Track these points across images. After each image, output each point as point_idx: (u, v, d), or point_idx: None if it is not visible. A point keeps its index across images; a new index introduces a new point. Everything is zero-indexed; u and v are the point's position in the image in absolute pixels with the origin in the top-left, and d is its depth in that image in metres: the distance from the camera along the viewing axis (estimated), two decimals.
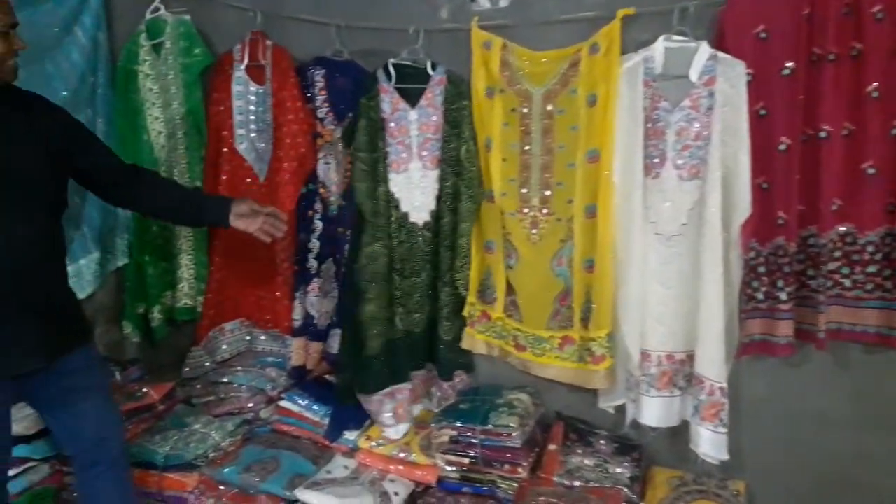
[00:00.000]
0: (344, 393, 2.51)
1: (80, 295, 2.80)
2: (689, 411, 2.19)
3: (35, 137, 1.88)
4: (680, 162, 2.10)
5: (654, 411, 2.22)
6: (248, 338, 2.85)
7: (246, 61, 2.64)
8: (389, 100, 2.44)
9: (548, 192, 2.32)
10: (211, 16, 2.75)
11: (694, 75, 2.06)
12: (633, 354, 2.20)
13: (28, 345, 1.86)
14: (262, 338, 2.85)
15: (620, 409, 2.35)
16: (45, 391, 1.96)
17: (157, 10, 2.71)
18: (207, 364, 2.80)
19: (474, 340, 2.50)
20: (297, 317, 2.67)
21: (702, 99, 2.05)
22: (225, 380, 2.71)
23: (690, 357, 2.17)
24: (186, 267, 2.87)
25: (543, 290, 2.35)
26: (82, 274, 2.80)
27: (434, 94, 2.42)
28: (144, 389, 2.67)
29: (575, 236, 2.27)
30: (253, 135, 2.70)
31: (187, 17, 2.72)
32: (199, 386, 2.74)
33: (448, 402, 2.49)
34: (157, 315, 2.88)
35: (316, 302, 2.69)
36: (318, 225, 2.68)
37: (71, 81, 2.69)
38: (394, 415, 2.46)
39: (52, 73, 2.67)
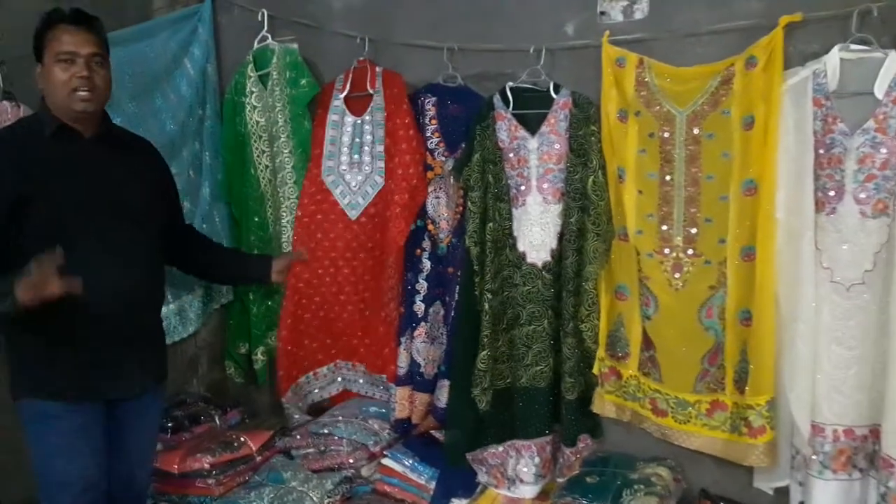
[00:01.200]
0: (452, 453, 2.27)
1: (184, 333, 2.73)
2: (872, 499, 1.84)
3: (142, 176, 1.97)
4: (863, 196, 1.78)
5: (827, 497, 1.88)
6: (339, 379, 2.68)
7: (346, 91, 2.49)
8: (507, 127, 2.22)
9: (694, 230, 2.00)
10: (319, 44, 2.62)
11: (880, 91, 1.74)
12: (802, 427, 1.85)
13: (125, 372, 1.91)
14: (361, 381, 2.67)
15: (782, 491, 2.01)
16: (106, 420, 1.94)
17: (264, 39, 2.59)
18: (297, 417, 2.63)
19: (604, 402, 2.18)
20: (403, 364, 2.44)
21: (890, 119, 1.72)
22: (325, 431, 2.51)
23: (875, 433, 1.83)
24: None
25: (689, 345, 2.03)
26: (185, 311, 2.72)
27: (557, 120, 2.17)
28: (242, 438, 2.52)
29: (728, 283, 1.96)
30: (343, 168, 2.52)
31: (294, 45, 2.60)
32: (298, 436, 2.56)
33: (572, 473, 2.17)
34: (260, 357, 2.74)
35: (423, 348, 2.45)
36: (426, 264, 2.46)
37: (179, 115, 2.64)
38: (514, 473, 2.20)
39: (161, 106, 2.62)
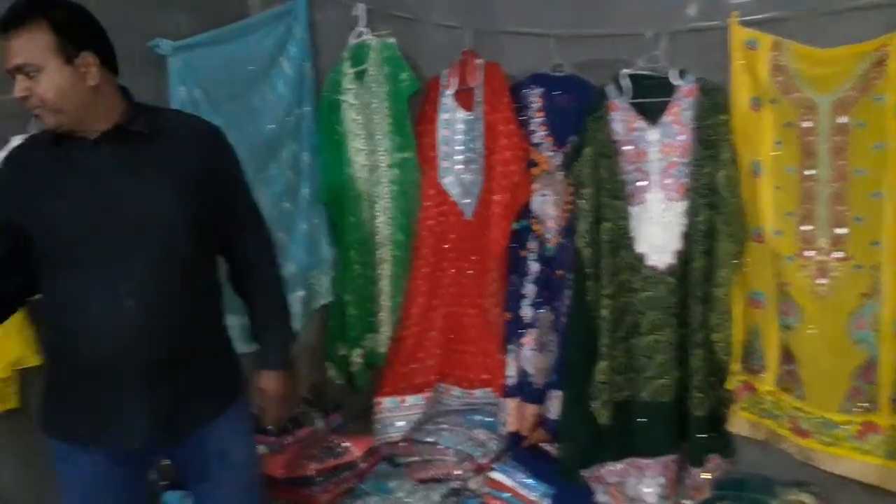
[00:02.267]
0: (566, 468, 2.15)
1: None
2: None
3: (161, 172, 1.54)
4: None
5: None
6: (440, 404, 2.57)
7: (454, 86, 2.37)
8: (622, 118, 2.06)
9: (842, 231, 1.80)
10: (418, 37, 2.51)
11: None
12: None
13: (126, 419, 1.54)
14: (458, 395, 2.56)
15: None
16: (184, 464, 1.73)
17: (360, 34, 2.51)
18: (398, 424, 2.53)
19: (739, 420, 1.99)
20: (511, 374, 2.32)
21: None
22: (430, 439, 2.44)
23: None
24: (387, 309, 2.63)
25: (836, 359, 1.82)
26: None
27: (681, 108, 2.00)
28: (346, 444, 2.47)
29: (884, 290, 1.76)
30: (459, 167, 2.42)
31: (392, 40, 2.49)
32: (402, 444, 2.48)
33: (702, 496, 2.00)
34: (357, 360, 2.67)
35: (531, 357, 2.32)
36: (533, 267, 2.32)
37: (277, 114, 2.58)
38: (635, 493, 2.05)
39: (259, 106, 2.57)
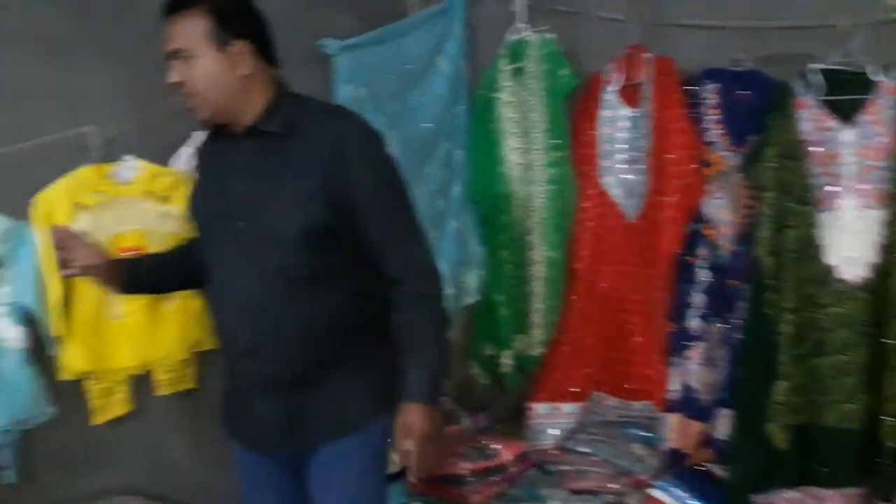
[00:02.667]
0: (736, 493, 2.01)
1: None
2: None
3: (288, 176, 1.46)
4: None
5: None
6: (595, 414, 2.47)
7: (618, 81, 2.28)
8: (812, 116, 1.91)
9: None
10: (581, 32, 2.44)
11: None
12: None
13: (260, 421, 1.56)
14: (615, 406, 2.46)
15: None
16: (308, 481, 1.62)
17: (518, 30, 2.46)
18: (551, 432, 2.46)
19: None
20: (675, 388, 2.20)
21: None
22: (584, 449, 2.36)
23: None
24: (539, 311, 2.57)
25: None
26: None
27: (882, 107, 1.82)
28: (496, 446, 2.44)
29: None
30: (621, 166, 2.33)
31: (552, 35, 2.43)
32: (554, 452, 2.42)
33: None
34: (507, 360, 2.64)
35: (698, 371, 2.20)
36: (703, 275, 2.19)
37: (433, 113, 2.58)
38: None
39: (416, 104, 2.58)
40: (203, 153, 1.64)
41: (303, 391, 1.52)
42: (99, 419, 1.92)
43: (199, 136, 1.98)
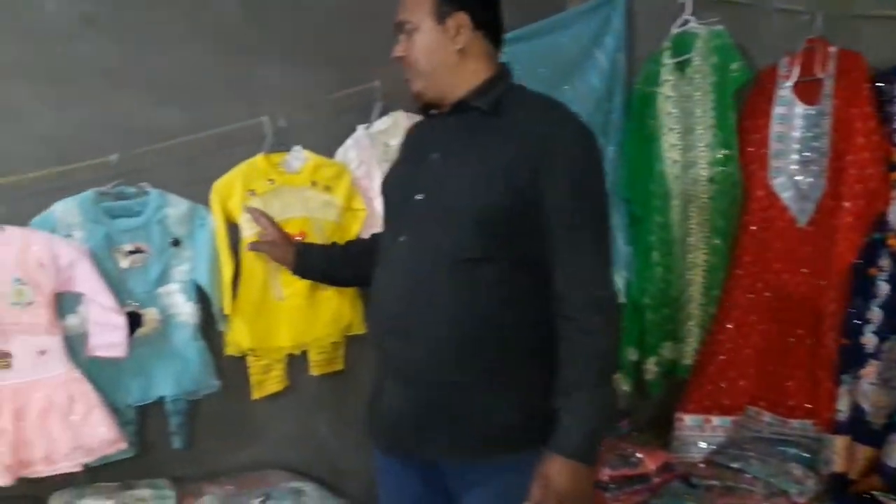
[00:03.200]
0: None
1: None
2: None
3: (480, 160, 1.39)
4: None
5: None
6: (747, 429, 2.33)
7: (795, 76, 2.12)
8: None
9: None
10: (753, 24, 2.29)
11: None
12: None
13: (385, 415, 1.48)
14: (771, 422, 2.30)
15: None
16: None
17: (685, 22, 2.35)
18: (702, 445, 2.34)
19: None
20: (843, 408, 2.04)
21: None
22: (734, 465, 2.23)
23: None
24: (695, 317, 2.45)
25: None
26: None
27: None
28: (639, 455, 2.35)
29: None
30: (794, 167, 2.18)
31: (721, 27, 2.30)
32: (702, 465, 2.31)
33: None
34: (652, 367, 2.54)
35: (870, 392, 2.02)
36: (883, 288, 2.01)
37: (587, 107, 2.50)
38: None
39: (570, 98, 2.50)
40: (409, 134, 1.65)
41: (441, 388, 1.38)
42: (257, 394, 2.03)
43: (362, 131, 2.06)
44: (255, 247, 1.84)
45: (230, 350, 1.97)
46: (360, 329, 2.12)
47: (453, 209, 1.38)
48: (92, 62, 1.79)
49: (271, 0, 2.00)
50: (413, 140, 1.61)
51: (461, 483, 1.45)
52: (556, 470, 1.30)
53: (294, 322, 2.03)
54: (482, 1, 1.46)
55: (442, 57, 1.43)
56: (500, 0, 1.51)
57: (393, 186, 1.56)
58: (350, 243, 1.87)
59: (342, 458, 2.30)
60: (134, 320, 1.81)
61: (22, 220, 1.68)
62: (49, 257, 1.67)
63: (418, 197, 1.42)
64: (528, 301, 1.38)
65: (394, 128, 2.13)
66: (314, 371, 2.12)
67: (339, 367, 2.17)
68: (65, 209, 1.73)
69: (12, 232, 1.66)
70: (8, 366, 1.68)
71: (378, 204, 2.01)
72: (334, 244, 1.88)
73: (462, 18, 1.42)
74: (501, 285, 1.37)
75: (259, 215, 1.83)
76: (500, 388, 1.38)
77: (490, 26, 1.47)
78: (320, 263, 1.79)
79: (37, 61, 1.72)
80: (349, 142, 2.10)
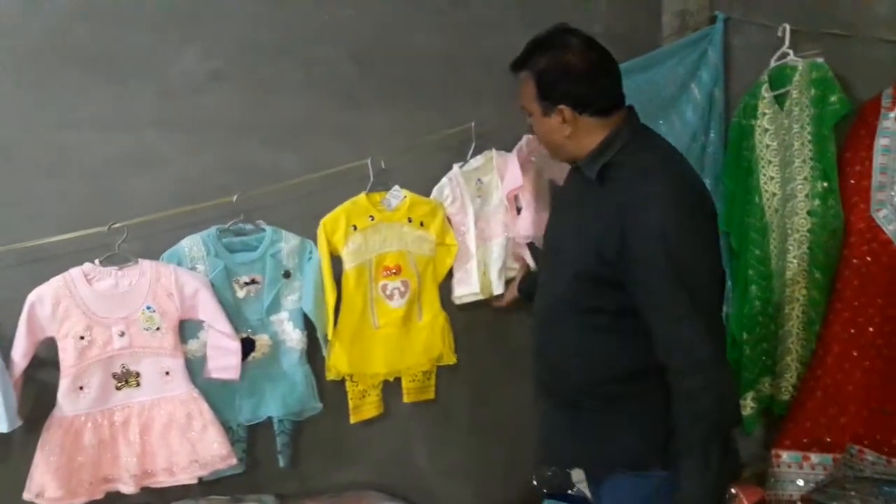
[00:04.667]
0: None
1: None
2: None
3: (586, 219, 1.54)
4: None
5: None
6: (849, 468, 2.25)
7: None
8: None
9: None
10: (853, 56, 2.26)
11: None
12: None
13: (542, 441, 1.71)
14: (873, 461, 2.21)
15: None
16: None
17: (784, 55, 2.33)
18: (800, 483, 2.28)
19: None
20: None
21: None
22: None
23: None
24: (794, 352, 2.40)
25: None
26: None
27: None
28: (733, 490, 2.31)
29: None
30: None
31: (821, 59, 2.27)
32: (798, 503, 2.25)
33: None
34: (750, 403, 2.48)
35: None
36: None
37: (682, 141, 2.51)
38: None
39: (666, 132, 2.51)
40: (565, 182, 1.77)
41: (566, 411, 1.61)
42: (354, 419, 2.13)
43: (456, 169, 2.16)
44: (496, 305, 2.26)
45: (330, 375, 2.07)
46: (450, 359, 2.21)
47: (564, 268, 1.58)
48: (218, 112, 1.96)
49: (376, 52, 2.14)
50: (562, 190, 1.79)
51: (597, 492, 1.67)
52: None
53: (388, 349, 2.13)
54: (580, 90, 1.52)
55: (554, 139, 1.59)
56: (604, 73, 1.56)
57: (545, 236, 1.79)
58: None
59: (435, 482, 2.38)
60: (248, 346, 1.95)
61: (154, 254, 1.87)
62: (176, 287, 1.84)
63: (555, 254, 1.68)
64: (632, 344, 1.49)
65: (486, 165, 2.23)
66: (406, 399, 2.20)
67: (430, 395, 2.25)
68: (191, 244, 1.90)
69: (145, 265, 1.84)
70: (138, 385, 1.85)
71: (470, 238, 2.20)
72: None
73: (564, 111, 1.53)
74: (611, 332, 1.51)
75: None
76: (613, 418, 1.54)
77: (594, 105, 1.54)
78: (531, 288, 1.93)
79: (171, 112, 1.91)
80: (444, 180, 2.21)
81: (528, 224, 2.15)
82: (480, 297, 2.23)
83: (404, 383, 2.19)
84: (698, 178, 1.57)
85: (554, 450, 1.70)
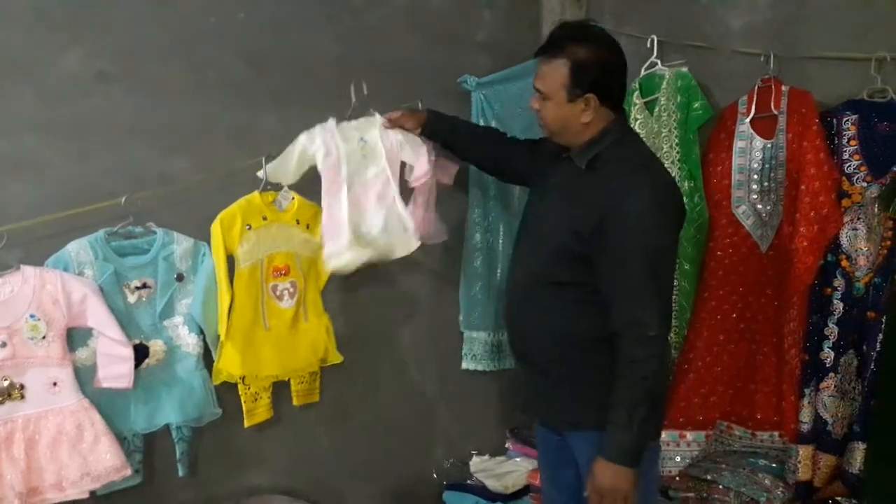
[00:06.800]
0: None
1: None
2: None
3: (573, 205, 1.70)
4: None
5: None
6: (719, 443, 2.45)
7: (752, 113, 2.30)
8: None
9: None
10: (713, 66, 2.47)
11: None
12: None
13: (523, 385, 1.95)
14: (740, 435, 2.42)
15: None
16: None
17: (652, 65, 2.52)
18: (678, 459, 2.44)
19: None
20: (806, 420, 2.18)
21: None
22: (707, 477, 2.37)
23: None
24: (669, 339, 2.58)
25: None
26: None
27: None
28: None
29: None
30: (754, 196, 2.33)
31: (685, 69, 2.48)
32: (677, 478, 2.43)
33: None
34: None
35: (830, 403, 2.17)
36: (838, 306, 2.17)
37: None
38: None
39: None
40: (557, 156, 1.84)
41: (543, 375, 1.80)
42: (248, 422, 2.08)
43: (332, 122, 2.07)
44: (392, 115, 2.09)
45: (221, 378, 2.01)
46: (336, 359, 2.19)
47: (542, 245, 1.76)
48: (104, 115, 1.90)
49: (267, 54, 2.13)
50: (551, 172, 1.84)
51: (571, 443, 1.82)
52: (600, 470, 1.61)
53: (279, 350, 2.08)
54: (610, 83, 1.68)
55: (568, 125, 1.70)
56: (625, 70, 1.72)
57: (526, 212, 1.92)
58: (476, 126, 2.30)
59: (338, 482, 2.41)
60: (141, 352, 1.89)
61: (38, 260, 1.78)
62: (62, 294, 1.76)
63: (536, 233, 1.80)
64: (599, 317, 1.66)
65: (367, 124, 2.11)
66: (296, 402, 2.17)
67: (315, 398, 2.23)
68: (77, 248, 1.82)
69: (28, 271, 1.75)
70: (22, 397, 1.76)
71: (342, 199, 2.03)
72: (459, 119, 2.17)
73: (591, 99, 1.65)
74: (576, 304, 1.71)
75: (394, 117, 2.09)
76: (577, 385, 1.74)
77: (613, 98, 1.70)
78: (444, 129, 2.10)
79: (53, 115, 1.83)
80: (317, 128, 2.03)
81: (416, 222, 2.11)
82: (357, 260, 2.01)
83: (293, 385, 2.16)
84: (674, 180, 1.79)
85: (546, 414, 1.89)
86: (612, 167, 1.67)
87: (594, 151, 1.69)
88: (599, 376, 1.65)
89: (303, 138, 2.00)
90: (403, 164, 2.13)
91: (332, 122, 2.04)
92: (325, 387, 2.25)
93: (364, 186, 2.08)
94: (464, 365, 2.57)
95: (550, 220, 1.76)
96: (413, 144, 2.12)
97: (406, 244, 2.10)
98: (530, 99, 1.76)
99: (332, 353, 2.20)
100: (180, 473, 1.99)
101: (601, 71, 1.64)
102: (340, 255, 2.00)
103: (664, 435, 2.43)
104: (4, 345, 1.72)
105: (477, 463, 2.58)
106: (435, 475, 2.59)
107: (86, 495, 1.80)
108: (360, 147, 2.08)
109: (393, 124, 2.08)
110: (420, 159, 2.11)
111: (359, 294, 2.35)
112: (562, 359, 1.75)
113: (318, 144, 2.01)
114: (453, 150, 2.16)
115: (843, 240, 2.14)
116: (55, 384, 1.79)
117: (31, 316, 1.75)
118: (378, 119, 2.10)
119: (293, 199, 2.11)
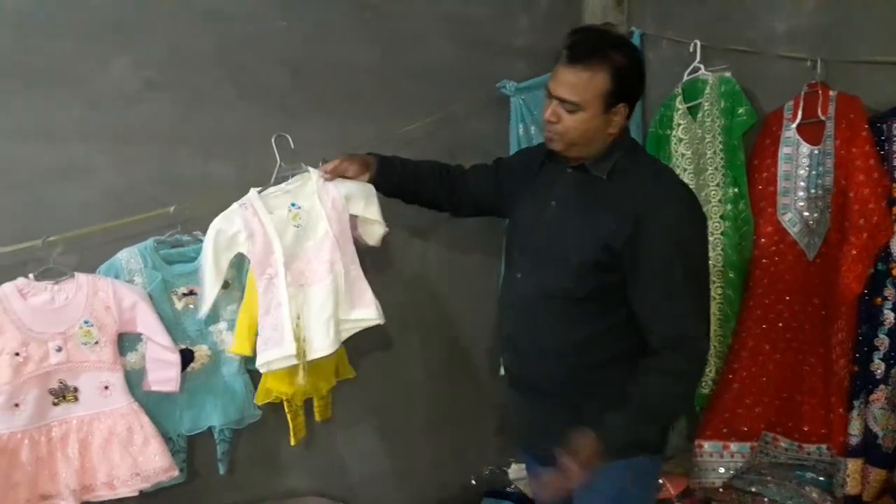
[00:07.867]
0: None
1: None
2: None
3: (591, 218, 1.59)
4: None
5: None
6: (765, 455, 2.41)
7: (799, 119, 2.26)
8: None
9: None
10: (758, 71, 2.44)
11: None
12: None
13: (518, 419, 1.83)
14: (787, 447, 2.37)
15: None
16: None
17: (695, 70, 2.49)
18: (722, 471, 2.41)
19: None
20: (855, 432, 2.12)
21: None
22: (752, 489, 2.32)
23: None
24: (712, 348, 2.53)
25: None
26: None
27: None
28: (660, 481, 2.44)
29: None
30: (801, 203, 2.29)
31: (729, 74, 2.44)
32: (720, 489, 2.39)
33: None
34: None
35: (880, 416, 2.11)
36: (889, 316, 2.11)
37: None
38: None
39: None
40: (534, 157, 1.77)
41: (548, 400, 1.66)
42: (295, 440, 2.05)
43: (253, 194, 1.87)
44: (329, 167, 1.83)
45: (269, 397, 1.97)
46: (348, 374, 2.14)
47: (558, 260, 1.60)
48: (150, 123, 1.94)
49: (307, 63, 2.17)
50: (540, 181, 1.73)
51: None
52: (580, 437, 1.51)
53: (310, 367, 1.93)
54: (639, 92, 1.61)
55: (595, 136, 1.57)
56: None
57: (521, 225, 1.76)
58: (419, 162, 1.94)
59: (375, 487, 2.44)
60: (187, 357, 1.94)
61: (91, 267, 1.83)
62: (114, 301, 1.82)
63: (539, 243, 1.66)
64: (623, 333, 1.58)
65: (299, 182, 1.86)
66: (318, 418, 2.12)
67: (327, 415, 2.17)
68: (127, 256, 1.88)
69: (81, 278, 1.81)
70: (76, 400, 1.82)
71: (279, 282, 1.79)
72: (408, 162, 1.93)
73: (622, 109, 1.56)
74: (598, 321, 1.59)
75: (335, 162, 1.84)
76: (598, 408, 1.54)
77: (634, 107, 1.61)
78: (395, 171, 1.88)
79: (101, 123, 1.88)
80: (234, 206, 1.81)
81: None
82: (295, 361, 1.78)
83: (315, 402, 2.10)
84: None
85: (541, 444, 1.68)
86: (635, 175, 1.59)
87: (613, 159, 1.60)
88: (618, 397, 1.53)
89: (217, 222, 1.77)
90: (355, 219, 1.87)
91: (252, 192, 1.80)
92: (363, 393, 2.27)
93: (307, 260, 1.81)
94: (502, 371, 2.56)
95: (568, 232, 1.61)
96: (364, 194, 1.84)
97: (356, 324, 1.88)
98: (546, 111, 1.58)
99: (345, 368, 2.13)
100: (220, 472, 2.04)
101: (639, 79, 1.58)
102: (285, 362, 1.79)
103: (706, 445, 2.42)
104: (60, 349, 1.78)
105: (516, 470, 2.58)
106: (474, 482, 2.59)
107: (135, 493, 1.85)
108: (293, 216, 1.81)
109: (333, 174, 1.81)
110: (374, 209, 1.85)
111: (398, 299, 2.33)
112: (576, 381, 1.62)
113: (238, 226, 1.77)
114: (402, 193, 1.93)
115: (894, 248, 2.08)
116: (107, 387, 1.84)
117: (85, 322, 1.80)
118: (314, 174, 1.83)
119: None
